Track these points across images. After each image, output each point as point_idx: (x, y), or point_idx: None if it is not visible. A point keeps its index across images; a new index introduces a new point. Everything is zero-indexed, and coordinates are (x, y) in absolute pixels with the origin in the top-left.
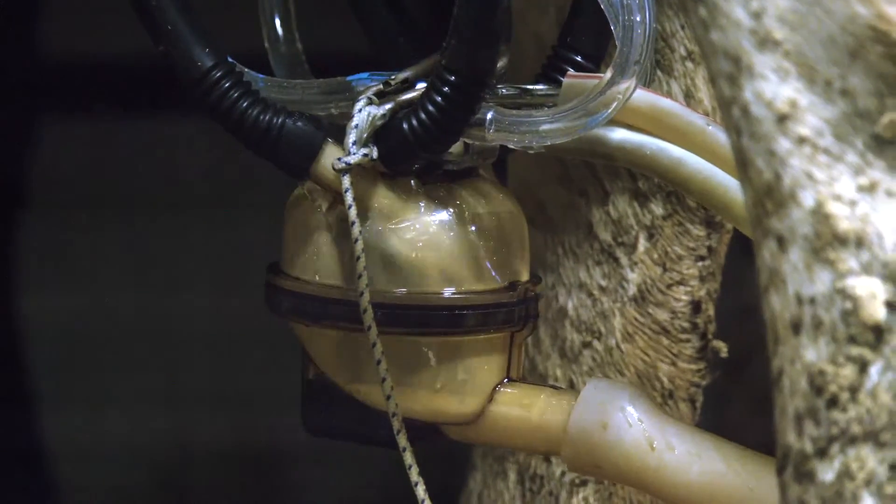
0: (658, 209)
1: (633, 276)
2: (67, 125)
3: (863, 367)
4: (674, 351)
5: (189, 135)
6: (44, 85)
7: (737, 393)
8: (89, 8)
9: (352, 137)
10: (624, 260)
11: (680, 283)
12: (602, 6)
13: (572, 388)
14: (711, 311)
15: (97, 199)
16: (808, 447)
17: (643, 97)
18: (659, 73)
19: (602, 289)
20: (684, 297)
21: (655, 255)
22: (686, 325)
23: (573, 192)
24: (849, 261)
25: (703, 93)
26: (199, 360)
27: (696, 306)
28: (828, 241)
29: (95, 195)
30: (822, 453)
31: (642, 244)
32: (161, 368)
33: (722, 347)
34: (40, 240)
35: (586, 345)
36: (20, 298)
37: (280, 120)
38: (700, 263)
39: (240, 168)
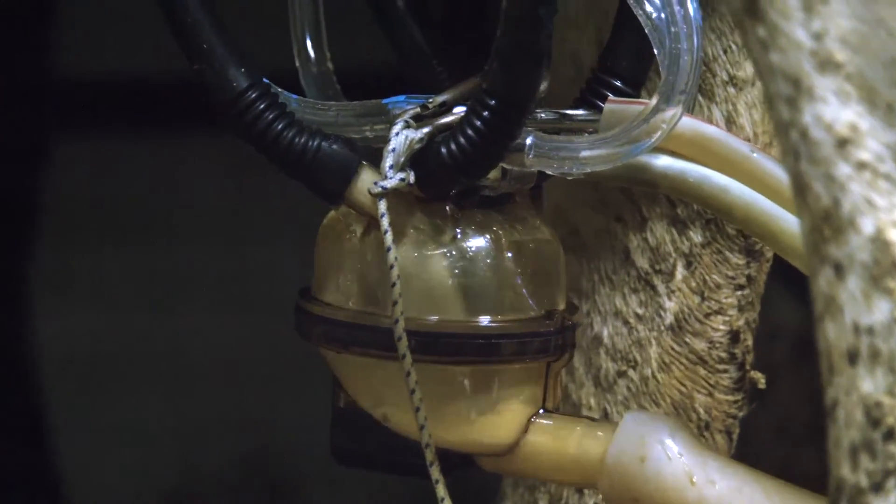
0: (697, 236)
1: (671, 305)
2: (80, 146)
3: None
4: (711, 381)
5: (202, 156)
6: (56, 105)
7: (759, 419)
8: (102, 29)
9: (388, 161)
10: (661, 288)
11: (718, 312)
12: (647, 31)
13: (606, 417)
14: (750, 342)
15: (109, 221)
16: (863, 481)
17: (686, 123)
18: (700, 98)
19: (638, 317)
20: (722, 327)
21: (693, 284)
22: (724, 355)
23: (609, 218)
24: None
25: (745, 119)
26: (210, 384)
27: (734, 336)
28: (887, 269)
29: (107, 217)
30: (877, 488)
31: (680, 272)
32: (171, 392)
33: (760, 378)
34: (52, 262)
35: (621, 374)
36: (31, 320)
37: (315, 143)
38: (739, 293)
39: (252, 191)
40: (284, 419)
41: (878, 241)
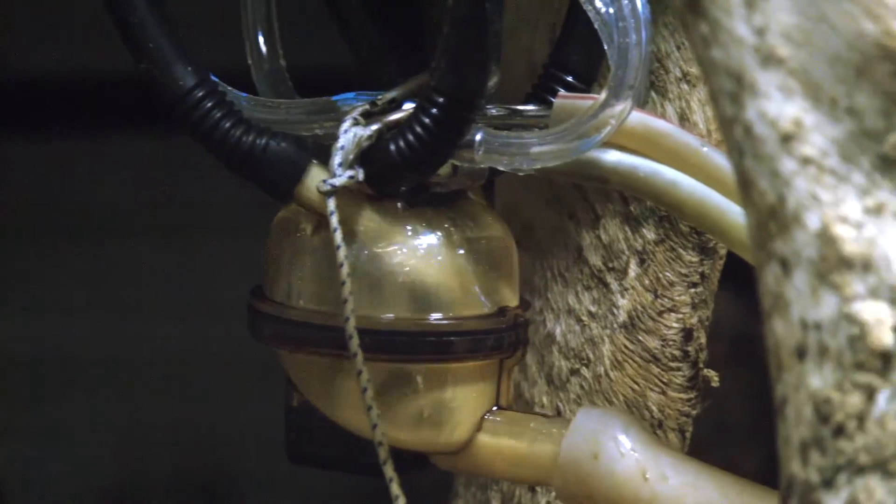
0: (650, 234)
1: (624, 303)
2: (17, 145)
3: (870, 394)
4: (664, 379)
5: (152, 157)
6: (2, 106)
7: (698, 418)
8: (35, 28)
9: (337, 159)
10: (614, 285)
11: (671, 310)
12: (595, 26)
13: (559, 415)
14: (703, 340)
15: (48, 222)
16: (814, 477)
17: (636, 118)
18: (653, 94)
19: (591, 314)
20: (675, 325)
21: (647, 281)
22: (677, 353)
23: (563, 215)
24: (855, 285)
25: (699, 115)
26: (150, 386)
27: (687, 334)
28: (833, 264)
29: (47, 217)
30: (828, 484)
31: (633, 269)
32: (111, 394)
33: (713, 376)
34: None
35: (574, 372)
36: None
37: (264, 141)
38: (692, 290)
39: (194, 190)
40: (224, 422)
41: (824, 236)
